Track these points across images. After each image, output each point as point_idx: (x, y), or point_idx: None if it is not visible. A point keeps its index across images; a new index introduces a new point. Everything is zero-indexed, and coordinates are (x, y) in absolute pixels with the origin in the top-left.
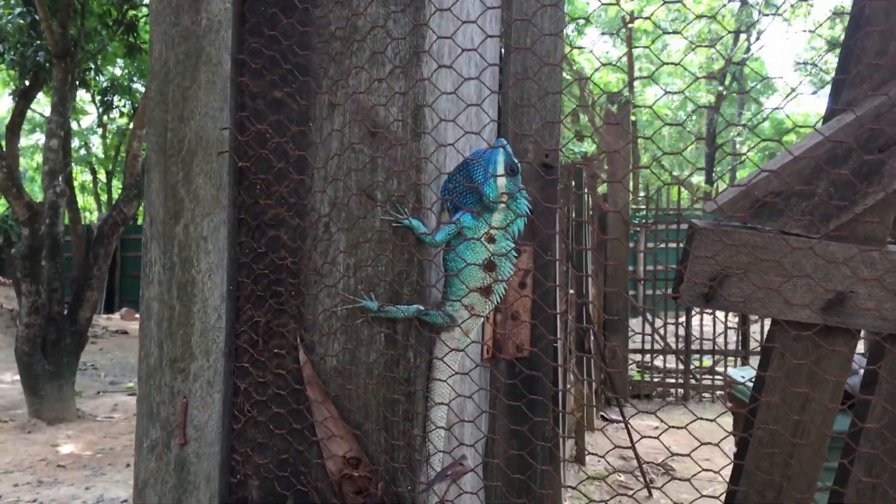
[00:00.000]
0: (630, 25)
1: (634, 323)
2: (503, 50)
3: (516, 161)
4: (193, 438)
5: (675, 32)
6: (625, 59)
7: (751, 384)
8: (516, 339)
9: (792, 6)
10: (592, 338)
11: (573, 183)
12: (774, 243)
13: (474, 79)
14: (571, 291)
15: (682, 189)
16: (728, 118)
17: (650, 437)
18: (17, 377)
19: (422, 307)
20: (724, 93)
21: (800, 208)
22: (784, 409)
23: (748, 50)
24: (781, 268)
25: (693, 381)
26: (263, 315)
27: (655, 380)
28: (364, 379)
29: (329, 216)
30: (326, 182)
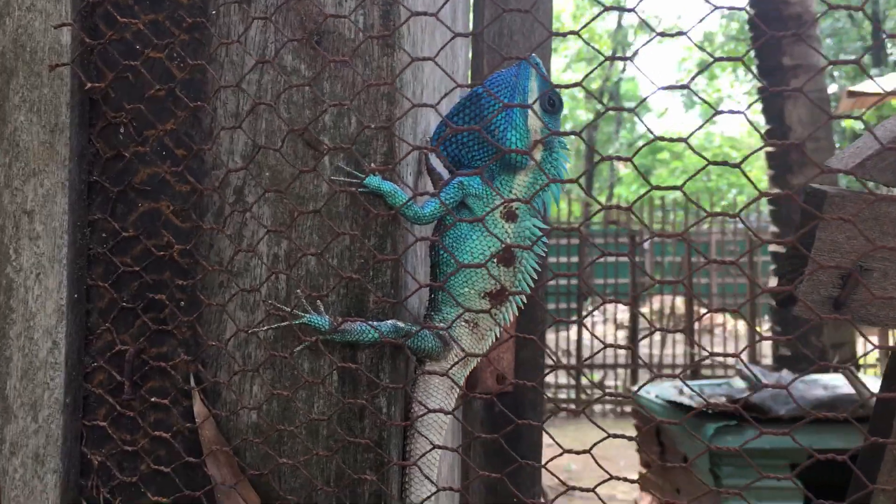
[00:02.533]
0: None
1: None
2: None
3: (556, 90)
4: None
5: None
6: None
7: (658, 400)
8: (497, 367)
9: (664, 31)
10: None
11: None
12: None
13: None
14: None
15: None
16: (605, 136)
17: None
18: None
19: (400, 324)
20: (602, 111)
21: None
22: None
23: (624, 70)
24: None
25: (584, 396)
26: (132, 341)
27: (548, 395)
28: (305, 445)
29: (243, 177)
30: (238, 120)
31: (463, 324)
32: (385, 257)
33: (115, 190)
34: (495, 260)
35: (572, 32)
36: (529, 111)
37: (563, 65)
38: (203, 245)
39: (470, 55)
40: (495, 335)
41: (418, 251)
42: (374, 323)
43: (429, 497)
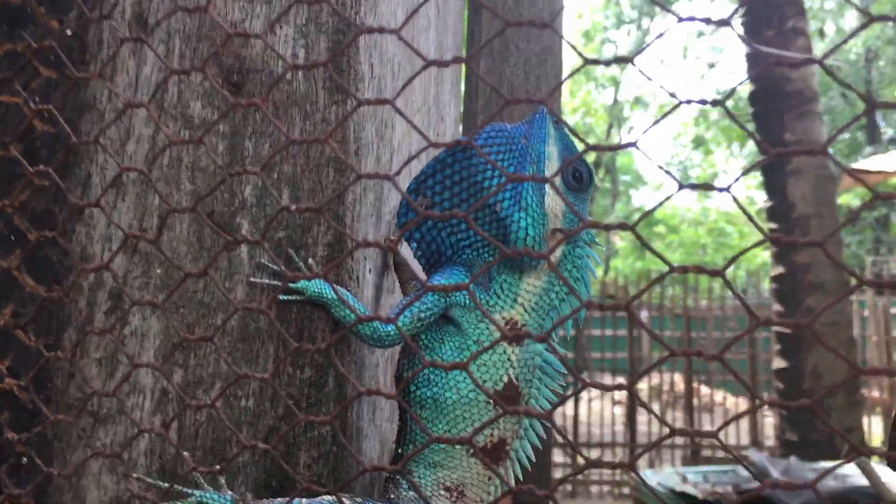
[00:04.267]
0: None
1: None
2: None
3: (584, 158)
4: None
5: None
6: None
7: (661, 489)
8: None
9: (660, 105)
10: None
11: None
12: None
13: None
14: None
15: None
16: (601, 209)
17: None
18: None
19: (346, 502)
20: (598, 184)
21: None
22: None
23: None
24: None
25: (581, 476)
26: None
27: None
28: None
29: (124, 274)
30: (119, 191)
31: (442, 493)
32: (321, 419)
33: None
34: (491, 400)
35: (596, 61)
36: (547, 187)
37: None
38: (59, 374)
39: (460, 124)
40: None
41: (380, 377)
42: (304, 502)
43: None
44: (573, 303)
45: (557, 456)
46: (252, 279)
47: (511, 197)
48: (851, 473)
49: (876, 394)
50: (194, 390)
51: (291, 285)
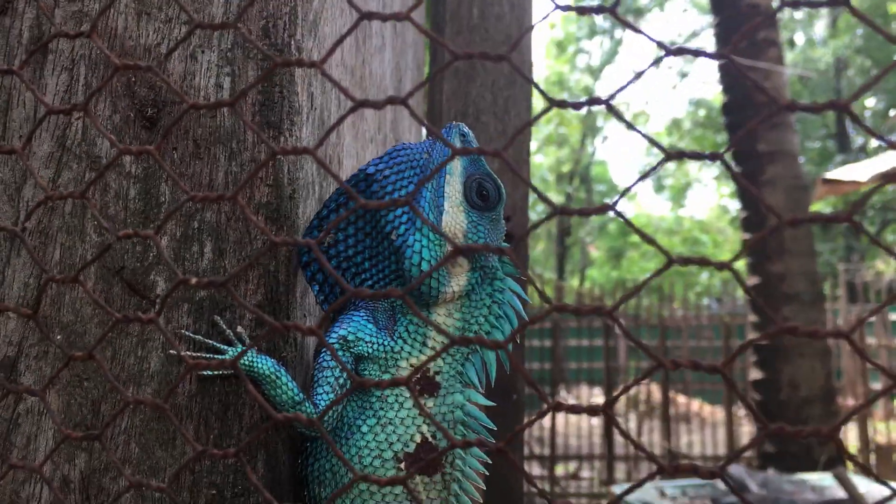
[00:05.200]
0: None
1: None
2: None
3: (492, 173)
4: None
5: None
6: None
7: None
8: None
9: (634, 114)
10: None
11: None
12: None
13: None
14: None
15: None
16: (577, 219)
17: None
18: None
19: None
20: (573, 193)
21: None
22: None
23: (593, 154)
24: None
25: (558, 489)
26: None
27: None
28: None
29: (18, 341)
30: (14, 245)
31: None
32: None
33: None
34: (402, 464)
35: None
36: (446, 204)
37: (535, 147)
38: None
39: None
40: None
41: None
42: None
43: None
44: (503, 337)
45: (535, 468)
46: (169, 351)
47: (407, 220)
48: (829, 485)
49: (851, 402)
50: (101, 478)
51: (216, 356)
